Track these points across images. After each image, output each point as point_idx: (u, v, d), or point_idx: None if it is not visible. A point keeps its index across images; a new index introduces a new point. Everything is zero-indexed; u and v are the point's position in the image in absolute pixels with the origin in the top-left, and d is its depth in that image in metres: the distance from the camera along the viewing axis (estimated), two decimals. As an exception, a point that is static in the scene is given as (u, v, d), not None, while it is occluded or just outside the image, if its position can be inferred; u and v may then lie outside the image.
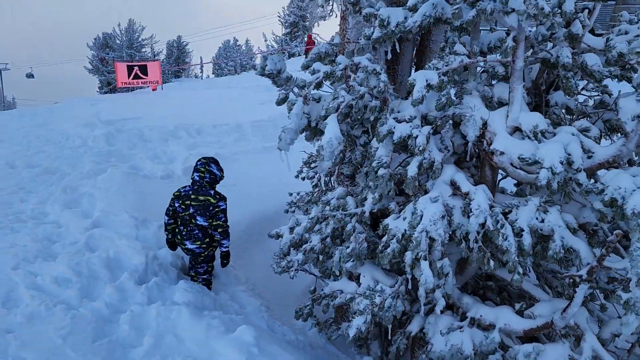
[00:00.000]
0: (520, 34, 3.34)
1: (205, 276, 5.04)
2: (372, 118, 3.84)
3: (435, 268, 3.61)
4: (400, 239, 3.76)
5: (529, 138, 3.48)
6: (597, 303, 4.14)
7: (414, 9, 3.77)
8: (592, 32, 3.85)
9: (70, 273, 4.30)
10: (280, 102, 4.36)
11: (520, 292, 4.69)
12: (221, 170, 4.96)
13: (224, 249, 4.98)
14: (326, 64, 4.50)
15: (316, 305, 5.12)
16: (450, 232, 3.64)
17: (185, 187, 4.96)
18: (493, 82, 4.00)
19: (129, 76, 26.65)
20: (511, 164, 3.52)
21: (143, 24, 57.77)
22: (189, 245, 4.86)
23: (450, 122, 3.78)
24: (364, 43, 4.02)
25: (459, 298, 4.15)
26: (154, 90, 26.08)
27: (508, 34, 4.03)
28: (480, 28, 3.83)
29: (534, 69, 4.16)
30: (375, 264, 4.45)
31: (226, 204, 4.87)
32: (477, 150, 3.78)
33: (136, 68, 27.16)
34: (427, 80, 3.25)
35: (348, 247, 4.10)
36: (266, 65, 4.17)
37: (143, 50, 46.05)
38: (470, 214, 3.45)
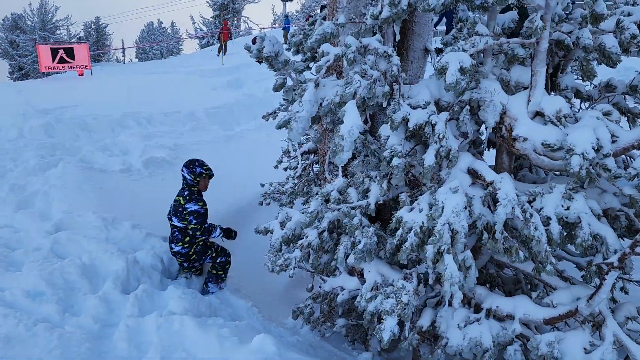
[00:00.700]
0: (547, 14, 3.20)
1: (217, 260, 4.92)
2: (384, 104, 3.59)
3: (457, 261, 3.45)
4: (418, 232, 3.58)
5: (552, 123, 3.38)
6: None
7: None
8: None
9: (43, 285, 3.78)
10: (277, 88, 4.02)
11: (530, 281, 4.68)
12: (192, 172, 4.63)
13: (218, 237, 4.89)
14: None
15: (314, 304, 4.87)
16: (470, 223, 3.50)
17: None
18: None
19: (53, 60, 24.64)
20: (534, 151, 3.41)
21: (57, 3, 53.89)
22: (175, 248, 4.67)
23: (468, 107, 3.60)
24: (371, 23, 3.75)
25: (471, 289, 4.04)
26: (80, 75, 24.36)
27: (521, 14, 3.92)
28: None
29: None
30: (378, 257, 4.26)
31: (200, 205, 4.63)
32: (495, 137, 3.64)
33: (61, 51, 25.12)
34: (459, 63, 3.03)
35: (359, 243, 3.85)
36: (263, 47, 3.80)
37: (58, 32, 43.01)
38: (497, 204, 3.31)
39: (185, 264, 4.75)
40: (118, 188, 6.15)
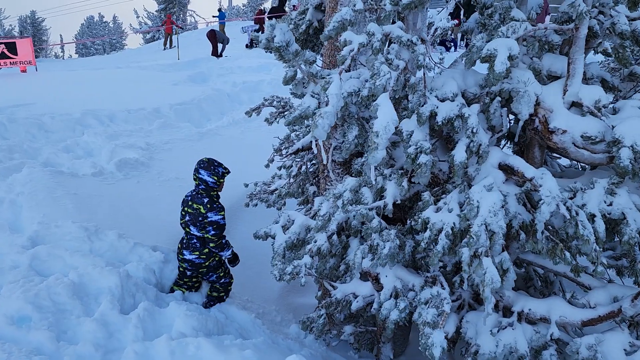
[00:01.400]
0: (588, -2, 3.00)
1: (221, 281, 4.54)
2: (414, 98, 3.30)
3: (494, 264, 3.22)
4: (449, 234, 3.33)
5: (592, 114, 3.19)
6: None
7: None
8: None
9: (29, 308, 3.30)
10: (288, 81, 3.66)
11: (545, 278, 4.53)
12: (215, 174, 4.18)
13: (226, 257, 4.48)
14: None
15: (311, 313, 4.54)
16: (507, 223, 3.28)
17: (191, 190, 4.38)
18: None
19: (-7, 56, 23.07)
20: (573, 144, 3.21)
21: (-12, -4, 50.73)
22: (187, 256, 4.25)
23: (499, 99, 3.37)
24: (390, 9, 3.45)
25: (498, 291, 3.83)
26: (22, 71, 22.87)
27: None
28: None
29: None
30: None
31: (221, 216, 4.23)
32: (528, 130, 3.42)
33: (2, 46, 23.61)
34: (509, 51, 2.78)
35: (384, 247, 3.56)
36: (274, 36, 3.43)
37: (-10, 27, 40.50)
38: (539, 202, 3.09)
39: (188, 273, 4.35)
40: (94, 194, 5.59)
